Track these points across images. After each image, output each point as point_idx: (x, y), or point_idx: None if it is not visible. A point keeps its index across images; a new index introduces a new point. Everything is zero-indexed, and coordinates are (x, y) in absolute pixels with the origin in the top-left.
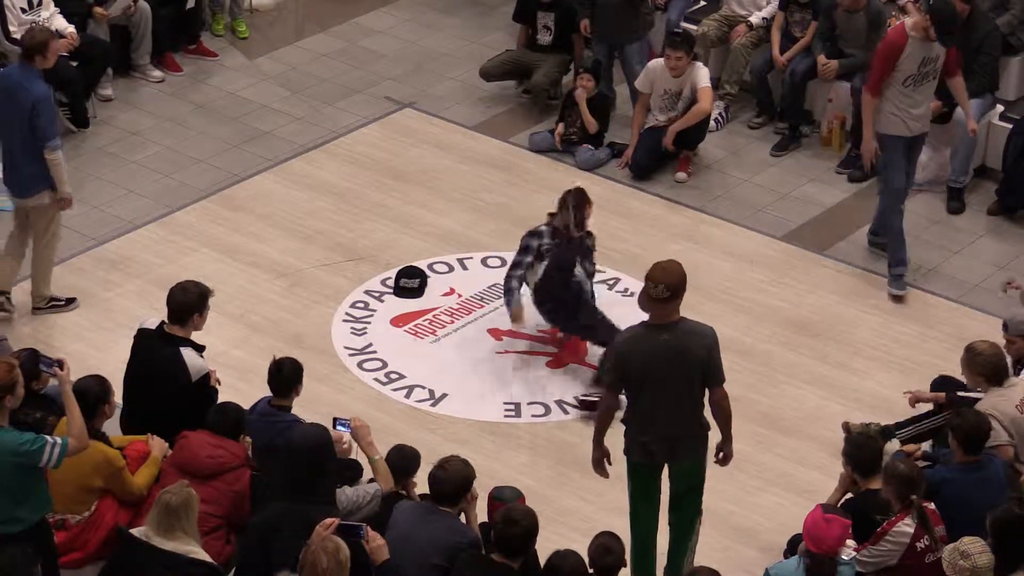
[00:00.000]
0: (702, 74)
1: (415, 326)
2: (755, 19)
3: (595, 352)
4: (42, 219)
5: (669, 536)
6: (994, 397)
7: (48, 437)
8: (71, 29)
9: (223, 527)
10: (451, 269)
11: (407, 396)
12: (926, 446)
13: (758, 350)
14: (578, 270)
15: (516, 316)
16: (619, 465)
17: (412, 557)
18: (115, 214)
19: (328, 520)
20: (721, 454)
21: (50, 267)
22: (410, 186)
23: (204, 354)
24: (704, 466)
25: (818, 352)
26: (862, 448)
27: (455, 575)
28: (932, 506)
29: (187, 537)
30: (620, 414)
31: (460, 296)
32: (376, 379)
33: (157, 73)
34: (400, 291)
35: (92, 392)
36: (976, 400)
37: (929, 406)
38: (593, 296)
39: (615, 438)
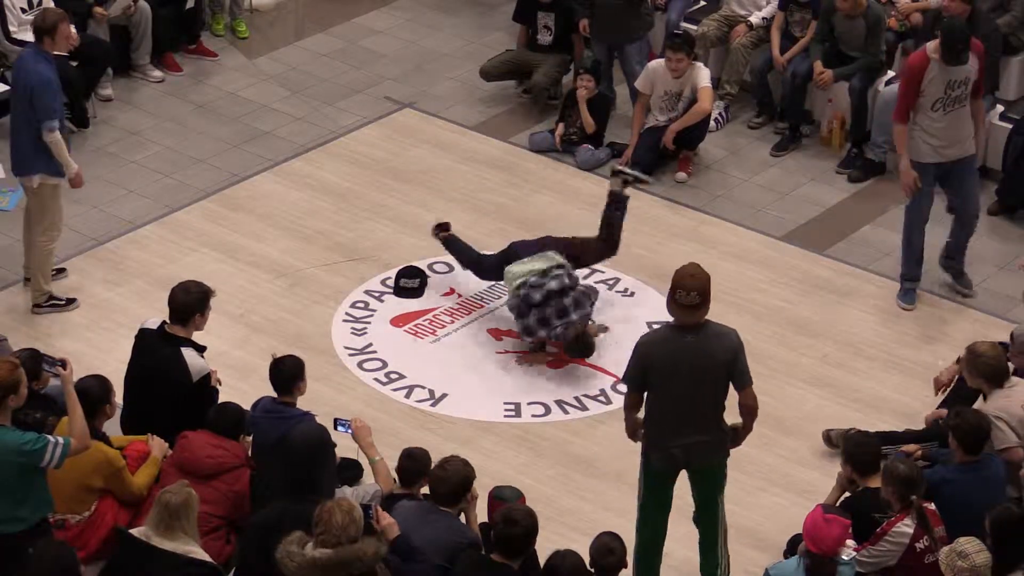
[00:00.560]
0: (702, 74)
1: (415, 326)
2: (755, 19)
3: (595, 352)
4: (36, 203)
5: (701, 546)
6: (1000, 399)
7: (50, 437)
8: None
9: (223, 527)
10: (451, 269)
11: (407, 396)
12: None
13: (758, 350)
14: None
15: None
16: (618, 464)
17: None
18: (115, 214)
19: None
20: (734, 434)
21: (47, 259)
22: (410, 186)
23: (204, 354)
24: (725, 470)
25: (818, 352)
26: (861, 446)
27: (455, 575)
28: (932, 506)
29: (187, 537)
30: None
31: (460, 296)
32: (376, 379)
33: (157, 73)
34: (400, 291)
35: (93, 392)
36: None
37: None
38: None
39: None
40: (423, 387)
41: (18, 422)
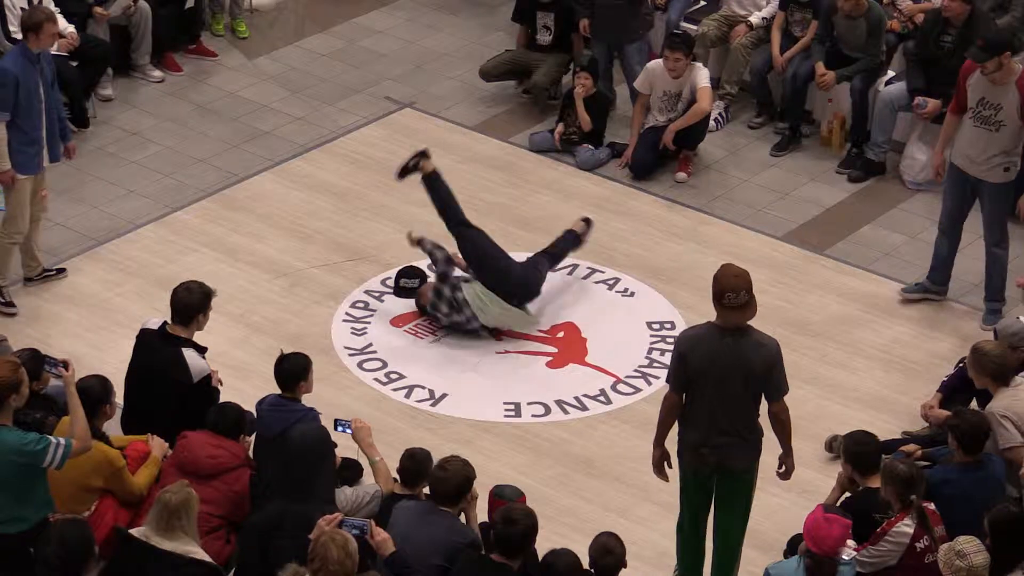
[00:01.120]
0: (701, 74)
1: (415, 326)
2: (755, 19)
3: (595, 352)
4: None
5: (714, 545)
6: (1005, 398)
7: (52, 438)
8: (71, 29)
9: (223, 527)
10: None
11: (407, 396)
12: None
13: None
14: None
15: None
16: (618, 464)
17: (412, 557)
18: (115, 214)
19: (330, 516)
20: (783, 468)
21: (7, 255)
22: (410, 186)
23: (205, 355)
24: (755, 475)
25: (818, 352)
26: (861, 446)
27: (455, 575)
28: (932, 506)
29: (187, 537)
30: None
31: None
32: (376, 379)
33: (157, 73)
34: (400, 291)
35: (94, 392)
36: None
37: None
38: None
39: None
40: (423, 387)
41: (18, 422)
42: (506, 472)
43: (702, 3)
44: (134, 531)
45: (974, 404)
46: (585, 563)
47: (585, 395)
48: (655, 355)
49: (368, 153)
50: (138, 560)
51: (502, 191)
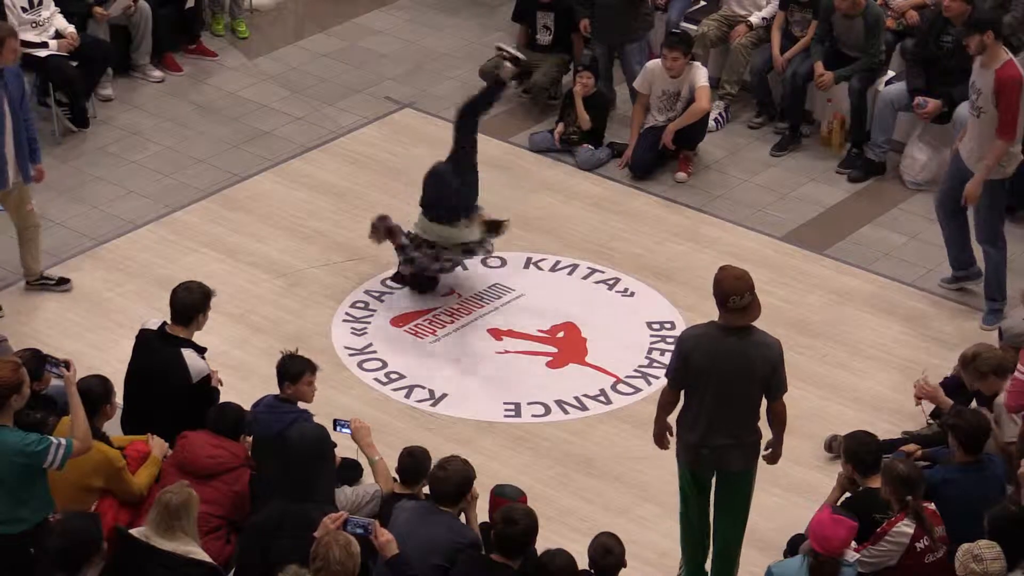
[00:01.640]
0: (700, 74)
1: (415, 326)
2: (755, 19)
3: (595, 352)
4: None
5: (713, 548)
6: None
7: (53, 439)
8: (71, 29)
9: (223, 527)
10: (451, 269)
11: (407, 396)
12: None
13: None
14: None
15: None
16: (618, 464)
17: (412, 557)
18: (115, 214)
19: (335, 514)
20: (770, 450)
21: None
22: (410, 186)
23: (205, 355)
24: (754, 477)
25: (818, 352)
26: (861, 446)
27: (455, 575)
28: (932, 506)
29: (187, 537)
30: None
31: (460, 296)
32: (376, 379)
33: (157, 73)
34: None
35: (94, 392)
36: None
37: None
38: None
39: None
40: (423, 387)
41: (18, 422)
42: (506, 472)
43: (702, 3)
44: (134, 531)
45: (974, 404)
46: (584, 563)
47: (585, 395)
48: (655, 355)
49: (368, 153)
50: (138, 560)
51: (502, 191)
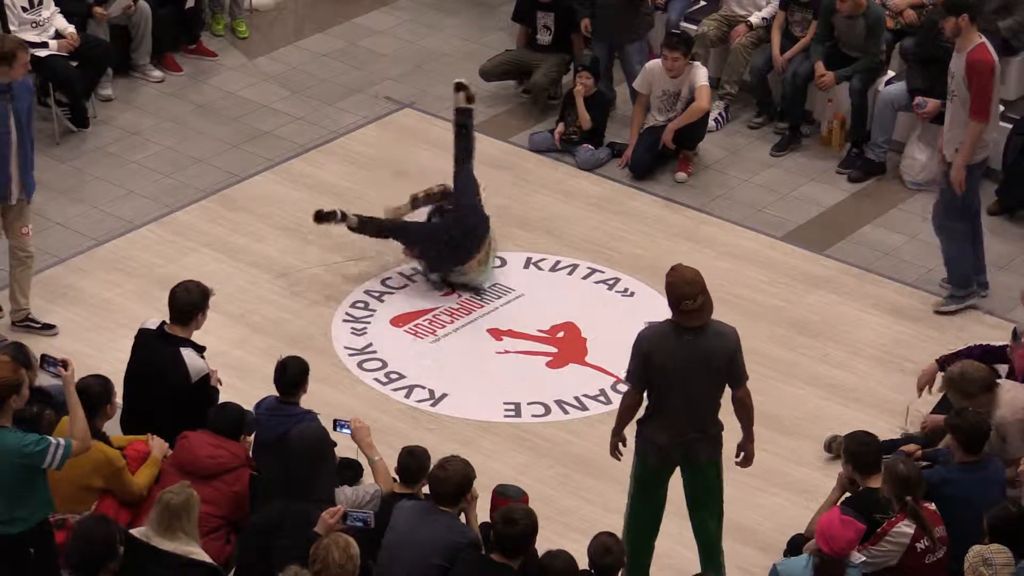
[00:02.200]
0: (700, 73)
1: (415, 326)
2: (755, 19)
3: (595, 352)
4: None
5: (697, 543)
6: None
7: (52, 439)
8: (71, 29)
9: (223, 527)
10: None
11: (407, 396)
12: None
13: (758, 350)
14: None
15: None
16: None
17: (412, 557)
18: (115, 214)
19: (334, 508)
20: (742, 454)
21: None
22: (410, 186)
23: (204, 354)
24: (720, 467)
25: (818, 352)
26: (862, 446)
27: (455, 575)
28: (932, 506)
29: (187, 537)
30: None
31: (460, 296)
32: (376, 379)
33: (157, 73)
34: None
35: (94, 392)
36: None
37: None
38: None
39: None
40: (423, 387)
41: (14, 417)
42: (506, 472)
43: (702, 3)
44: (134, 531)
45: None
46: (584, 563)
47: (585, 395)
48: None
49: (368, 153)
50: (138, 560)
51: (502, 191)
